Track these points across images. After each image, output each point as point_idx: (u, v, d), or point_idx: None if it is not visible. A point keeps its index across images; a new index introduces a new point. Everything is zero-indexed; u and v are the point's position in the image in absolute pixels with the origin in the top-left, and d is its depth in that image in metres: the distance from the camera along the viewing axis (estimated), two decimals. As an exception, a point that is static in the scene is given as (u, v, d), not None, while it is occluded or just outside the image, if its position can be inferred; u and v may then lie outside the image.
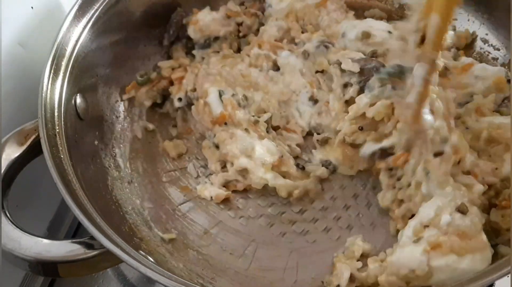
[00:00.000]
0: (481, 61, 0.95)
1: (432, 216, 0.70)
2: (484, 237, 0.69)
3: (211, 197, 0.87)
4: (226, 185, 0.88)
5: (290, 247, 0.80)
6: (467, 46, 0.99)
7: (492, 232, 0.74)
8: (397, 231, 0.77)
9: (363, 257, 0.77)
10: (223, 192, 0.86)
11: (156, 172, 0.92)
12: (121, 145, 0.93)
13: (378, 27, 0.95)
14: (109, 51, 0.91)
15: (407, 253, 0.69)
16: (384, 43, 0.93)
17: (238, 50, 1.03)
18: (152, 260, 0.71)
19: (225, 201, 0.87)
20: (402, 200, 0.79)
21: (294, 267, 0.78)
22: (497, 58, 0.95)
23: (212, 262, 0.80)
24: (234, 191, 0.87)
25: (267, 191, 0.86)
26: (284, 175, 0.86)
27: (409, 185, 0.78)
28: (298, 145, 0.92)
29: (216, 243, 0.82)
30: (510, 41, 0.93)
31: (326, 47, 0.93)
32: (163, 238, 0.83)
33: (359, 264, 0.75)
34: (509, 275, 0.58)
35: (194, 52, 1.02)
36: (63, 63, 0.80)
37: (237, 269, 0.79)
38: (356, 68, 0.87)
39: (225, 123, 0.90)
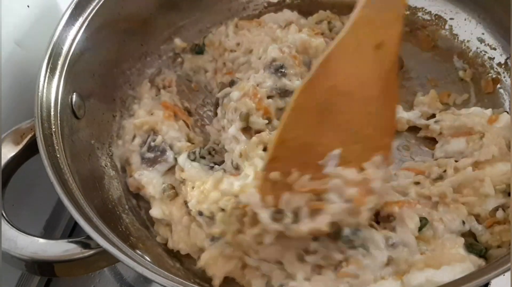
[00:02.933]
0: (478, 61, 0.95)
1: None
2: (461, 250, 0.69)
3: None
4: None
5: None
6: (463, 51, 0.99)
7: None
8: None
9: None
10: None
11: (153, 171, 0.91)
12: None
13: None
14: (106, 50, 0.91)
15: None
16: None
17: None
18: (148, 259, 0.71)
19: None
20: None
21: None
22: (494, 58, 0.95)
23: (209, 261, 0.80)
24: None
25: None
26: None
27: None
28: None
29: (213, 242, 0.82)
30: (506, 40, 0.93)
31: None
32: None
33: None
34: (506, 274, 0.58)
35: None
36: (60, 62, 0.80)
37: (233, 268, 0.79)
38: None
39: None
